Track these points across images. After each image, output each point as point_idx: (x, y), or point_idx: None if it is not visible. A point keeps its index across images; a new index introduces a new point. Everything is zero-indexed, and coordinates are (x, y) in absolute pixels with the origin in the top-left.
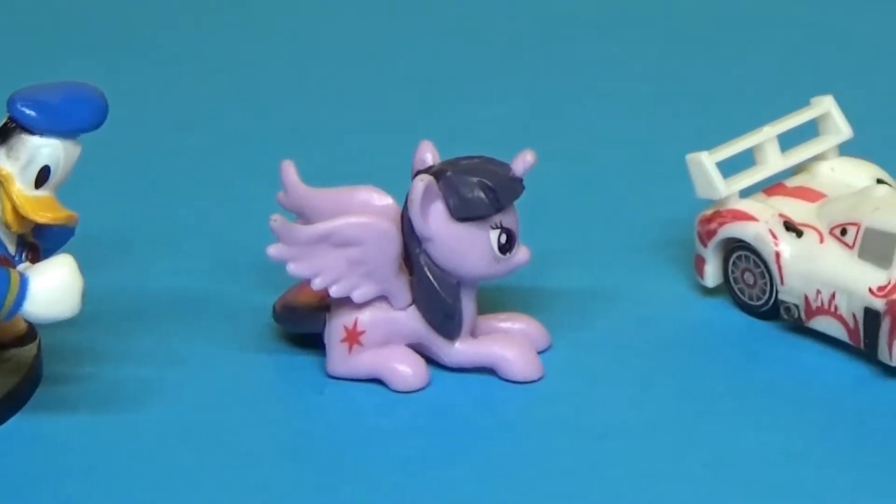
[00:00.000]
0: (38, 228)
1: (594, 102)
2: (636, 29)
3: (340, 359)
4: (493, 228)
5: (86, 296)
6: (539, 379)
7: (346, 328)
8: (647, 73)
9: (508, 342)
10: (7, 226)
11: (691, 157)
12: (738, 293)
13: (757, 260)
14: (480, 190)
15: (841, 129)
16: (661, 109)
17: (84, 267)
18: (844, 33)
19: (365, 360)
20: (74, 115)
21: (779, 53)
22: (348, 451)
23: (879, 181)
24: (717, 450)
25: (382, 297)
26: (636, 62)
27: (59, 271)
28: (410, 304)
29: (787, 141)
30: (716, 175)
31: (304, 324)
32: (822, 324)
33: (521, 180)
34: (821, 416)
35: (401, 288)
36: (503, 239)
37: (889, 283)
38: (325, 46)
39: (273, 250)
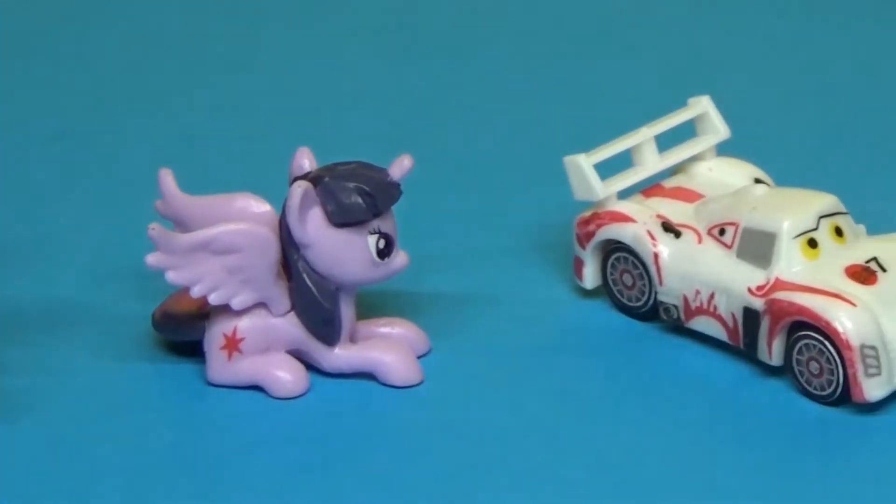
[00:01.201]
0: None
1: (470, 105)
2: (510, 31)
3: (220, 366)
4: (371, 233)
5: None
6: (419, 383)
7: (225, 335)
8: (524, 74)
9: (387, 347)
10: None
11: (569, 160)
12: (617, 294)
13: (635, 261)
14: (358, 195)
15: (718, 129)
16: (537, 111)
17: None
18: (721, 33)
19: (245, 368)
20: None
21: (656, 54)
22: (229, 459)
23: (757, 180)
24: (597, 451)
25: (262, 304)
26: (512, 64)
27: None
28: (289, 311)
29: (665, 142)
30: (593, 177)
31: (183, 332)
32: (702, 324)
33: (398, 185)
34: (701, 416)
35: (280, 294)
36: (381, 244)
37: (768, 282)
38: (201, 54)
39: (152, 259)
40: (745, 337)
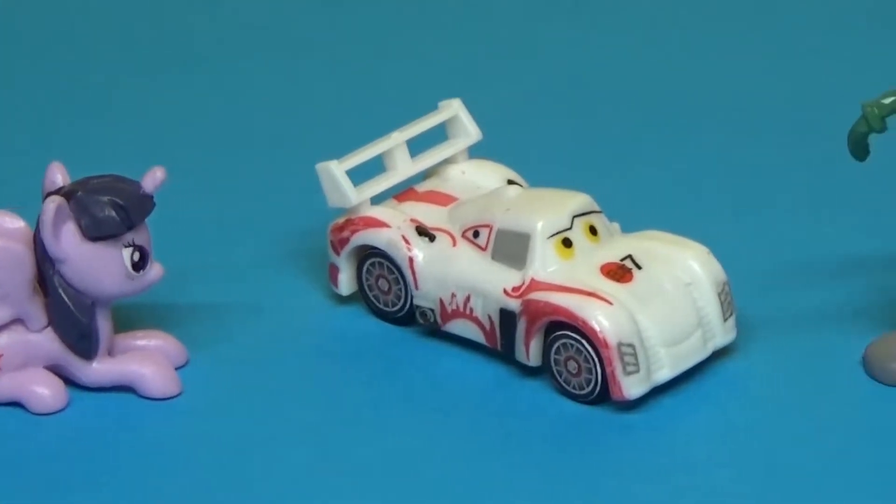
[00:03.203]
0: None
1: (222, 115)
2: (261, 39)
3: None
4: (126, 247)
5: None
6: (178, 395)
7: None
8: (273, 82)
9: (146, 359)
10: None
11: (321, 167)
12: (374, 300)
13: (391, 266)
14: (111, 209)
15: (470, 131)
16: (288, 119)
17: None
18: (469, 36)
19: (2, 384)
20: None
21: (405, 58)
22: None
23: (510, 182)
24: (360, 458)
25: (18, 321)
26: (262, 72)
27: None
28: (46, 326)
29: (417, 146)
30: (346, 183)
31: None
32: (459, 327)
33: (151, 197)
34: (462, 418)
35: (36, 310)
36: (136, 257)
37: (523, 283)
38: None
39: None
40: (502, 338)
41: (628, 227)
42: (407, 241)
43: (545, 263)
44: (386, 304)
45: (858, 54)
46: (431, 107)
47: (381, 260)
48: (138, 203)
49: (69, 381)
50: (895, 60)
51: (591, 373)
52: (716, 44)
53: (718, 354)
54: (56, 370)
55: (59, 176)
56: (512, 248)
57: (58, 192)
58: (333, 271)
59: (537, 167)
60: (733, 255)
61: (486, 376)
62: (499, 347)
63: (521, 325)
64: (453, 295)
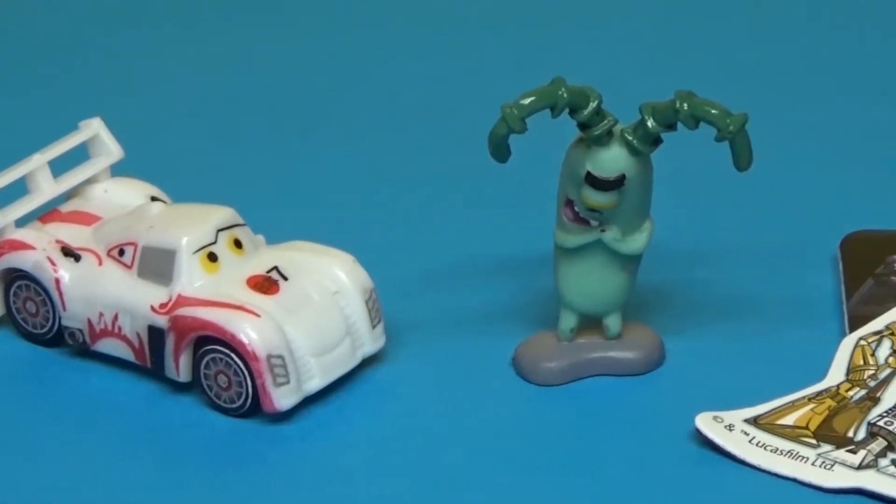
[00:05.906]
0: None
1: None
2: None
3: None
4: None
5: None
6: None
7: None
8: None
9: None
10: None
11: None
12: (22, 323)
13: (37, 288)
14: None
15: (111, 150)
16: None
17: None
18: (106, 53)
19: None
20: None
21: (43, 78)
22: None
23: (153, 199)
24: (14, 483)
25: None
26: None
27: None
28: None
29: (60, 166)
30: None
31: None
32: (109, 346)
33: None
34: (115, 437)
35: None
36: None
37: (170, 299)
38: None
39: None
40: (151, 355)
41: (273, 239)
42: (53, 263)
43: (191, 279)
44: (34, 327)
45: (499, 55)
46: (72, 126)
47: (28, 282)
48: None
49: None
50: (535, 60)
51: (241, 386)
52: (359, 46)
53: (368, 362)
54: None
55: None
56: (158, 264)
57: None
58: None
59: (180, 183)
60: (379, 262)
61: (137, 394)
62: (149, 365)
63: (170, 342)
64: (101, 314)
